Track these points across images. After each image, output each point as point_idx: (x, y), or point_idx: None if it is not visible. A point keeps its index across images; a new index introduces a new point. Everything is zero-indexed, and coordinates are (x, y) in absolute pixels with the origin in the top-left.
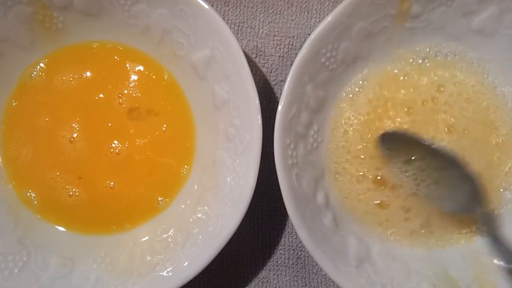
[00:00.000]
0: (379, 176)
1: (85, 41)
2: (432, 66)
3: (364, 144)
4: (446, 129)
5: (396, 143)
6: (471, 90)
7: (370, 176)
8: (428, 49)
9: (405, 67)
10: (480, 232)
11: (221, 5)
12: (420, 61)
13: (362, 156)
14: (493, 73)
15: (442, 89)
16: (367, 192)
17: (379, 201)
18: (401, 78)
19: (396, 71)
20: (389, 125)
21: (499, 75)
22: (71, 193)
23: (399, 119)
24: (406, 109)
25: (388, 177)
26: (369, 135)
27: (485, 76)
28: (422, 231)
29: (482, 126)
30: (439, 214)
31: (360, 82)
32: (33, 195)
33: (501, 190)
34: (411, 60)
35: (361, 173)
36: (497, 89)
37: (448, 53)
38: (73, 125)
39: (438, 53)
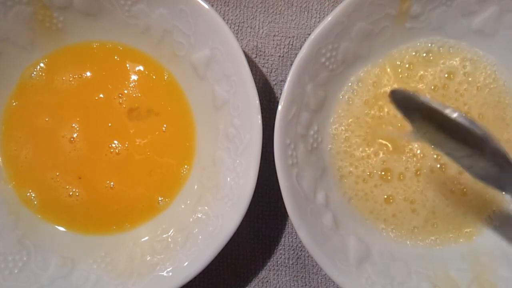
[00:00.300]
0: (383, 171)
1: (85, 41)
2: (437, 58)
3: (368, 144)
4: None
5: (407, 107)
6: (482, 83)
7: (376, 171)
8: (430, 44)
9: (409, 59)
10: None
11: (221, 5)
12: (424, 54)
13: (367, 156)
14: (499, 70)
15: (452, 76)
16: (374, 190)
17: (385, 196)
18: (406, 66)
19: (399, 63)
20: (390, 118)
21: (503, 73)
22: (71, 193)
23: None
24: None
25: (394, 166)
26: (372, 133)
27: (494, 71)
28: (426, 224)
29: (495, 115)
30: (444, 206)
31: (357, 82)
32: (33, 195)
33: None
34: (413, 53)
35: (368, 173)
36: (505, 86)
37: (451, 48)
38: (73, 125)
39: (440, 48)
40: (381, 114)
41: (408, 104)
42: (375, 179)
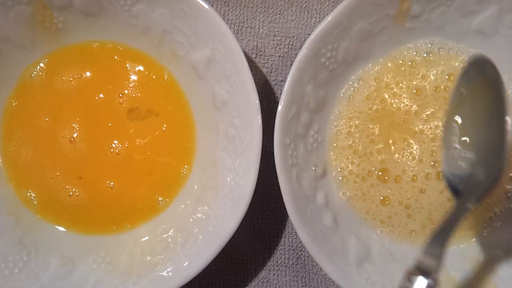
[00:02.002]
0: (381, 171)
1: (85, 41)
2: (437, 59)
3: (370, 140)
4: None
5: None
6: None
7: (375, 169)
8: (430, 45)
9: (410, 58)
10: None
11: (221, 5)
12: (425, 55)
13: (369, 153)
14: None
15: (452, 78)
16: (371, 190)
17: (382, 197)
18: (409, 63)
19: (401, 62)
20: (395, 104)
21: (502, 74)
22: (71, 193)
23: (405, 95)
24: (414, 91)
25: (392, 167)
26: (374, 129)
27: None
28: (424, 229)
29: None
30: (442, 213)
31: (357, 81)
32: (33, 195)
33: (504, 192)
34: (414, 53)
35: (368, 171)
36: None
37: (450, 50)
38: (73, 125)
39: (440, 50)
40: (384, 105)
41: (477, 72)
42: (373, 178)
